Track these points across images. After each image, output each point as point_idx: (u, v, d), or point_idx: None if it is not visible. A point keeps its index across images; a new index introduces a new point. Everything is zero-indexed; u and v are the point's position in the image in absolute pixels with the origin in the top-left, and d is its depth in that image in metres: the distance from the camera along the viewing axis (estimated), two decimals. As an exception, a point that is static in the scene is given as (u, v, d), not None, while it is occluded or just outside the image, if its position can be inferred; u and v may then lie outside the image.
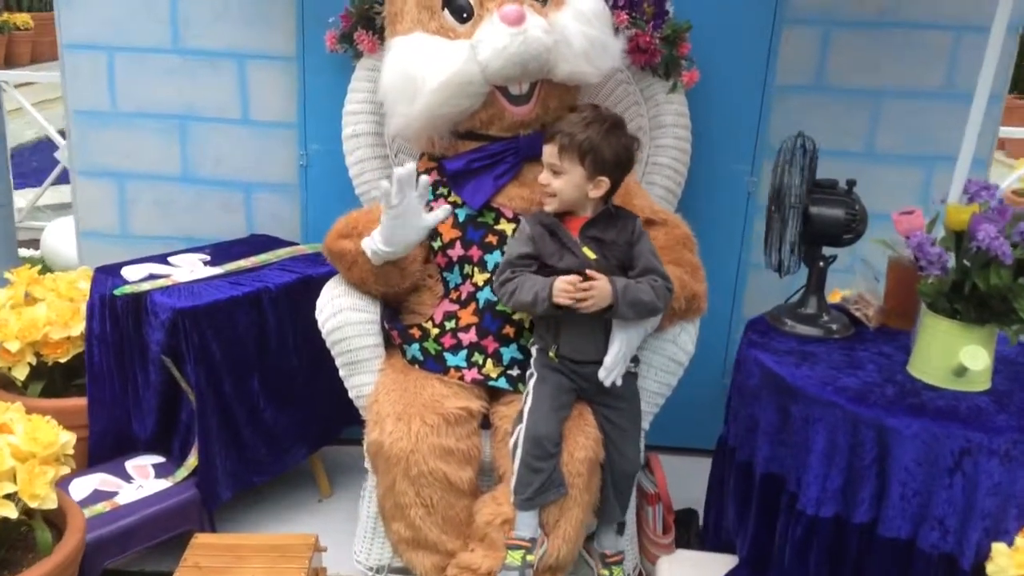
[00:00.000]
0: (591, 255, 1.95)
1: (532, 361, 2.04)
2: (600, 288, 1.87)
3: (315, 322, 2.39)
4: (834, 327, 2.04)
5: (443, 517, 2.01)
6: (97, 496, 2.20)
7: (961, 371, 1.76)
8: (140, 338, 2.30)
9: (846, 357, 1.92)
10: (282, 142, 2.75)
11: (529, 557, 1.92)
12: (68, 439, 1.76)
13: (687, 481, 2.45)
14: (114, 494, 2.23)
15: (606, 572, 2.09)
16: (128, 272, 2.37)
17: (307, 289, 2.43)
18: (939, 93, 2.67)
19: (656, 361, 2.16)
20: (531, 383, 2.00)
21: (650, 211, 2.20)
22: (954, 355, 1.77)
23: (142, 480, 2.30)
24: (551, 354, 2.00)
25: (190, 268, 2.43)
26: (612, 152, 1.92)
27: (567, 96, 2.23)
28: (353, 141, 2.48)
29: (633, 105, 2.48)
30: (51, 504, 1.68)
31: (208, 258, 2.53)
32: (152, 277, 2.36)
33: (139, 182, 2.79)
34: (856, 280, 2.17)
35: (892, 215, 1.88)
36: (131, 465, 2.35)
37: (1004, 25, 1.84)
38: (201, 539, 2.20)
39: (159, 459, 2.38)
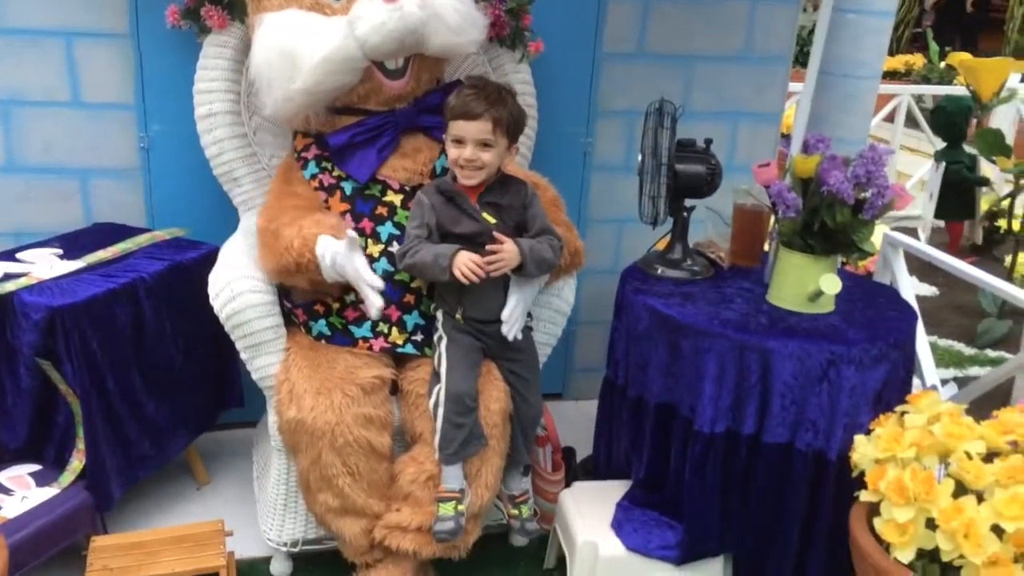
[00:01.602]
0: (491, 220, 2.09)
1: (439, 325, 2.14)
2: (510, 251, 2.01)
3: (188, 309, 2.37)
4: (698, 269, 2.31)
5: (368, 482, 2.09)
6: (-21, 515, 2.06)
7: (815, 296, 2.08)
8: (5, 342, 2.15)
9: (718, 294, 2.19)
10: (119, 124, 2.61)
11: (460, 507, 2.04)
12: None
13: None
14: (-3, 509, 2.09)
15: (516, 511, 2.25)
16: (-22, 273, 2.20)
17: (178, 275, 2.39)
18: (738, 57, 3.03)
19: (544, 315, 2.34)
20: (442, 346, 2.10)
21: (523, 175, 2.35)
22: (807, 284, 2.09)
23: (23, 491, 2.17)
24: (458, 316, 2.11)
25: (48, 264, 2.29)
26: (524, 121, 2.09)
27: (436, 69, 2.33)
28: (208, 120, 2.42)
29: (483, 75, 2.61)
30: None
31: (60, 251, 2.39)
32: (9, 276, 2.20)
33: (-44, 174, 2.55)
34: (707, 228, 2.46)
35: (752, 168, 2.17)
36: (5, 477, 2.21)
37: (830, 5, 2.16)
38: (100, 542, 2.13)
39: (34, 467, 2.25)
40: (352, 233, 2.02)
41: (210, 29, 2.41)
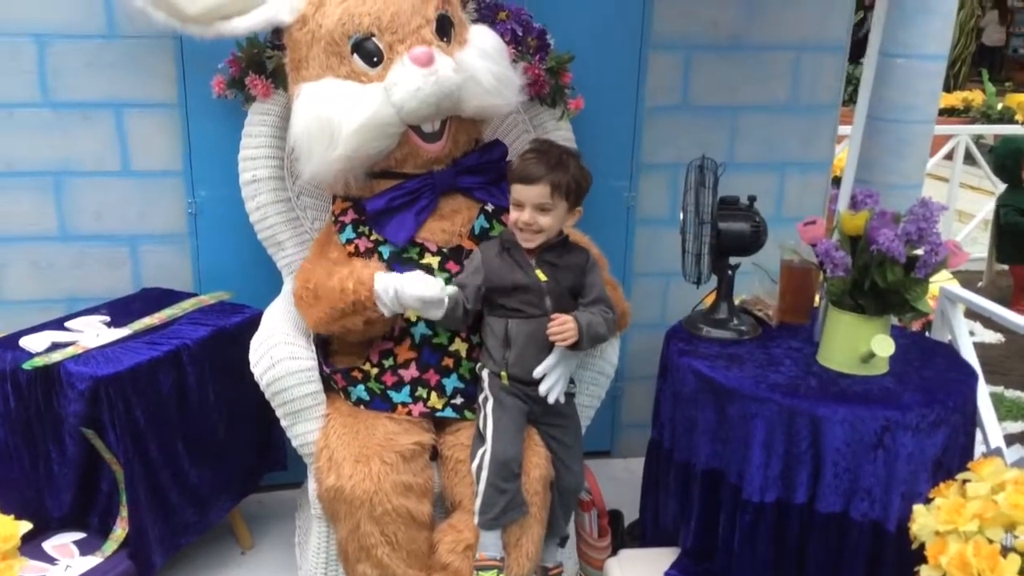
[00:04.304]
0: (543, 277, 2.07)
1: (485, 385, 2.10)
2: (572, 328, 2.02)
3: (232, 374, 2.37)
4: (744, 328, 2.24)
5: (407, 552, 2.05)
6: (25, 585, 2.07)
7: (867, 358, 2.00)
8: (52, 412, 2.17)
9: (765, 355, 2.13)
10: (167, 191, 2.66)
11: (501, 576, 1.99)
12: (25, 528, 1.67)
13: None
14: (43, 580, 2.10)
15: None
16: (29, 343, 2.23)
17: (222, 341, 2.40)
18: (785, 107, 2.97)
19: (587, 376, 2.29)
20: (488, 407, 2.07)
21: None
22: (858, 345, 2.01)
23: (67, 560, 2.17)
24: (502, 375, 2.08)
25: (95, 332, 2.32)
26: (588, 183, 2.10)
27: (474, 131, 2.33)
28: (253, 186, 2.45)
29: (524, 134, 2.60)
30: (22, 600, 1.59)
31: (108, 319, 2.42)
32: (57, 346, 2.23)
33: (11, 244, 2.61)
34: (753, 283, 2.40)
35: (797, 226, 2.11)
36: (50, 546, 2.21)
37: (876, 50, 2.11)
38: (141, 612, 2.12)
39: (78, 535, 2.25)
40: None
41: (255, 98, 2.45)
